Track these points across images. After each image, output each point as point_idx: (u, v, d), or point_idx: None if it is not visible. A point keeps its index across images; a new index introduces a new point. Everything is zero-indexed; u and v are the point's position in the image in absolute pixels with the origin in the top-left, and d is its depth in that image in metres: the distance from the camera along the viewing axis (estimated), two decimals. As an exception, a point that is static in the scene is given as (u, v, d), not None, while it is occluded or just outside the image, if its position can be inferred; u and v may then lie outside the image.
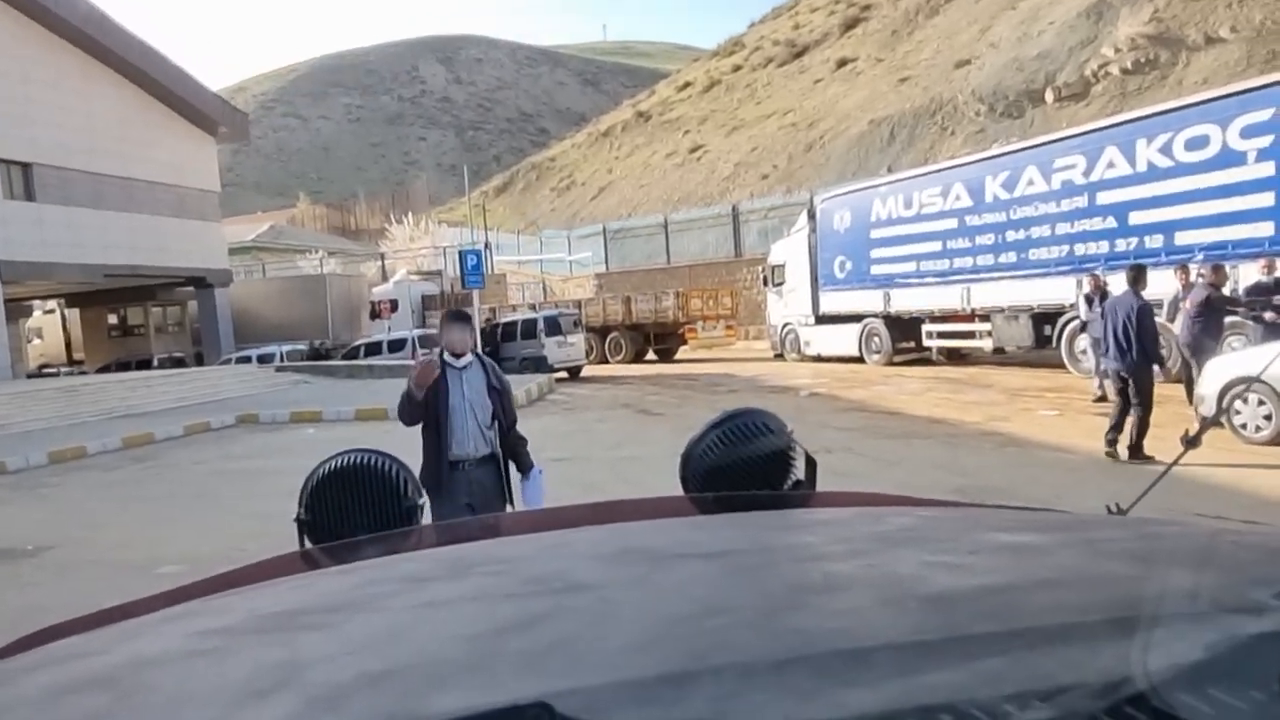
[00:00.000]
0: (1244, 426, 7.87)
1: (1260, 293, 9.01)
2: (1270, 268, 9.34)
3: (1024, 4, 39.47)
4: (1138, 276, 7.71)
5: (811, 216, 19.89)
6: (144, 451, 12.57)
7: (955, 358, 17.56)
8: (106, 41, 23.37)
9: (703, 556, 0.82)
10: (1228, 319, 9.22)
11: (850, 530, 0.95)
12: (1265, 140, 11.16)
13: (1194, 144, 11.99)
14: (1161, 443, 7.43)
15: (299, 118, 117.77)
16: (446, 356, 4.04)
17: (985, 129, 33.33)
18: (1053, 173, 14.14)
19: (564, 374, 19.87)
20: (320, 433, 12.73)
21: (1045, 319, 14.40)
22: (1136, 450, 7.47)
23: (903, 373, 16.52)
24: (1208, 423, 7.42)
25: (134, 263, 24.01)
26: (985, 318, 15.61)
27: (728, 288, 25.98)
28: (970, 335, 16.21)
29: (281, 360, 23.48)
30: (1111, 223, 13.21)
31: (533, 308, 25.67)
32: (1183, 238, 12.09)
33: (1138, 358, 7.44)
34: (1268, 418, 7.69)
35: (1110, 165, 13.20)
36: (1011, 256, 14.98)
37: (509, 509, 4.00)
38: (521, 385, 15.29)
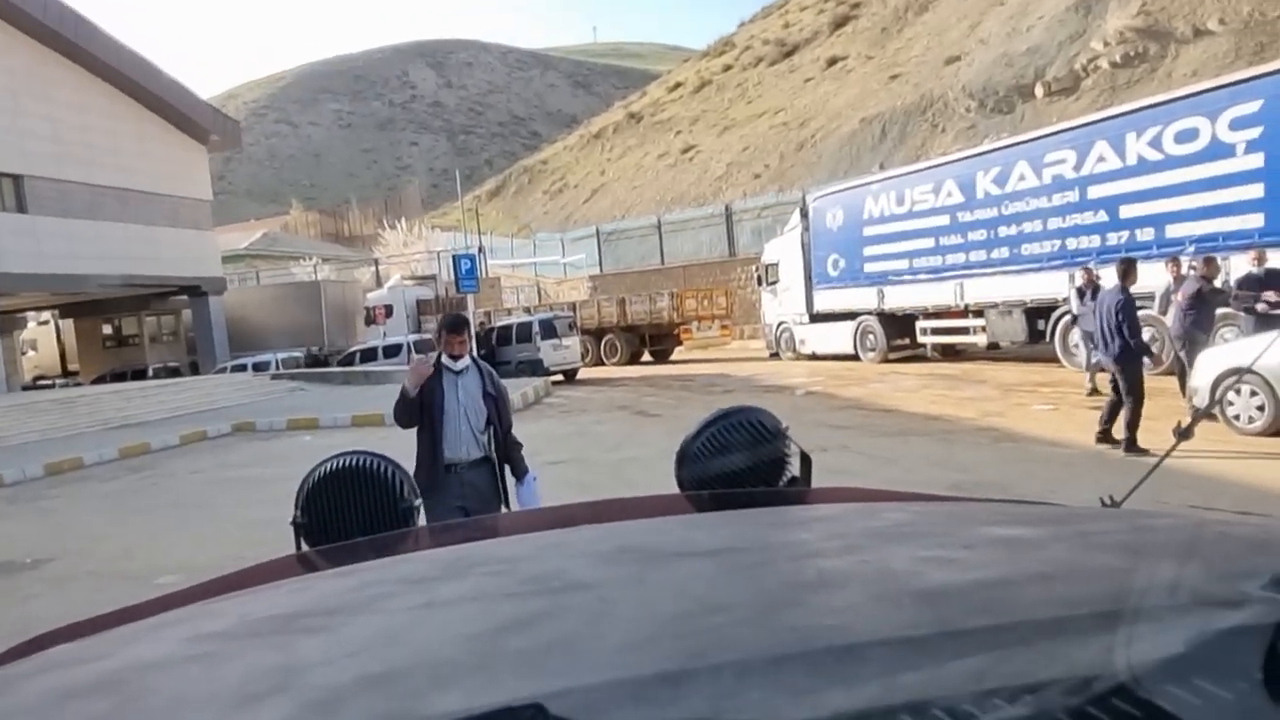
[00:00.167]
0: (1237, 418, 7.89)
1: (1251, 284, 9.03)
2: (1261, 259, 9.37)
3: None
4: (1126, 270, 7.75)
5: (804, 215, 19.91)
6: (141, 462, 12.53)
7: (950, 354, 17.59)
8: (97, 52, 23.30)
9: (699, 555, 0.82)
10: (1219, 310, 9.25)
11: (845, 526, 0.96)
12: (1254, 132, 11.19)
13: (1183, 137, 12.03)
14: (1155, 435, 7.46)
15: (290, 124, 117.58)
16: (444, 360, 4.07)
17: (976, 125, 33.41)
18: (1043, 168, 14.18)
19: (560, 377, 19.86)
20: (317, 439, 12.70)
21: (1038, 314, 14.43)
22: (1130, 443, 7.49)
23: (898, 370, 16.54)
24: (1200, 414, 7.46)
25: (127, 273, 23.94)
26: (979, 313, 15.64)
27: (722, 288, 25.99)
28: (964, 331, 16.24)
29: (277, 367, 23.43)
30: (1103, 216, 13.24)
31: (527, 311, 25.65)
32: (1173, 230, 12.13)
33: (1120, 351, 7.51)
34: (1260, 409, 7.72)
35: (1100, 159, 13.23)
36: (1004, 252, 15.01)
37: (504, 512, 4.01)
38: (517, 389, 15.28)
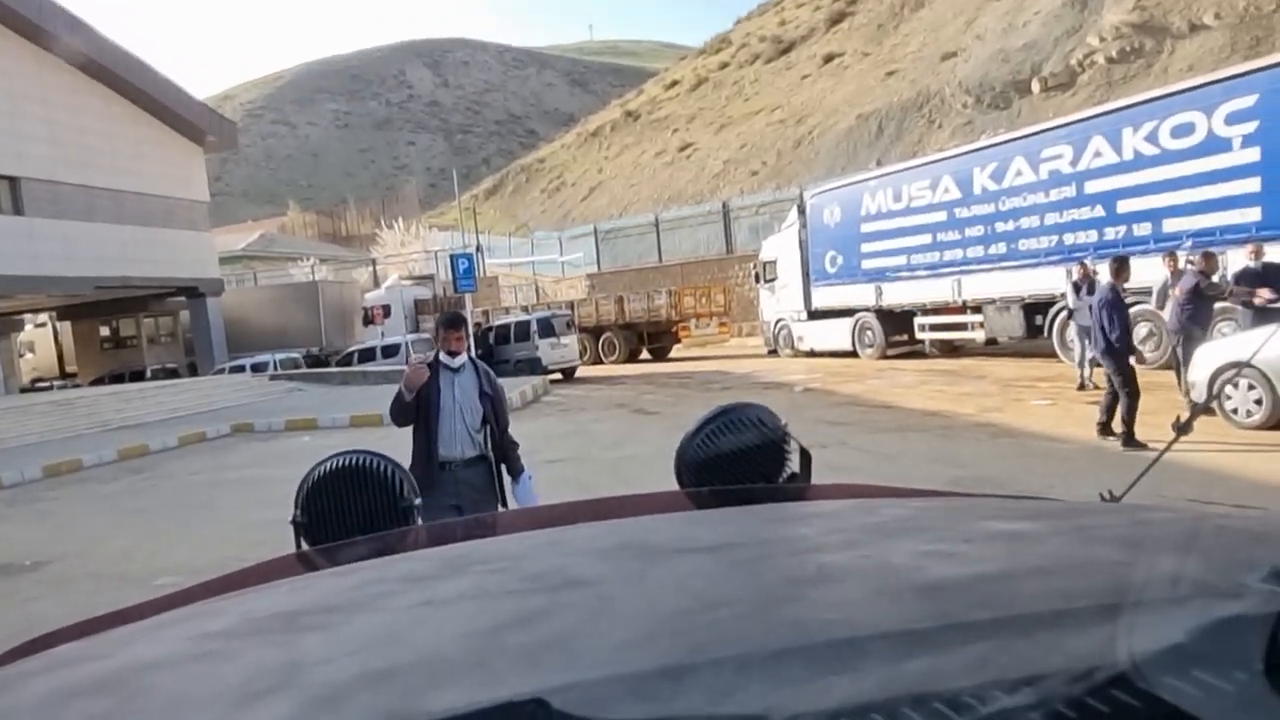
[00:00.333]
0: (1235, 412, 7.90)
1: (1249, 278, 9.04)
2: (1258, 253, 9.37)
3: (1008, -5, 39.58)
4: (1119, 268, 7.88)
5: (801, 212, 19.92)
6: (139, 463, 12.52)
7: (948, 350, 17.60)
8: (93, 54, 23.26)
9: (699, 550, 0.82)
10: (1217, 304, 9.27)
11: (845, 522, 0.96)
12: (1250, 126, 11.21)
13: (1180, 131, 12.04)
14: (1154, 430, 7.47)
15: (287, 125, 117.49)
16: (442, 357, 4.08)
17: (973, 121, 33.43)
18: (1040, 163, 14.19)
19: (558, 375, 19.86)
20: (316, 440, 12.69)
21: (1036, 309, 14.45)
22: (1128, 438, 7.52)
23: (896, 366, 16.56)
24: (1199, 409, 7.48)
25: (125, 274, 23.92)
26: (977, 309, 15.65)
27: (720, 285, 26.00)
28: (962, 327, 16.26)
29: (275, 368, 23.41)
30: (1100, 211, 13.25)
31: (525, 310, 25.64)
32: (1170, 225, 12.14)
33: (1106, 347, 7.61)
34: (1258, 402, 7.73)
35: (1097, 154, 13.24)
36: (1001, 247, 15.02)
37: (502, 510, 4.02)
38: (516, 388, 15.28)
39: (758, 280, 21.91)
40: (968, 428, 9.45)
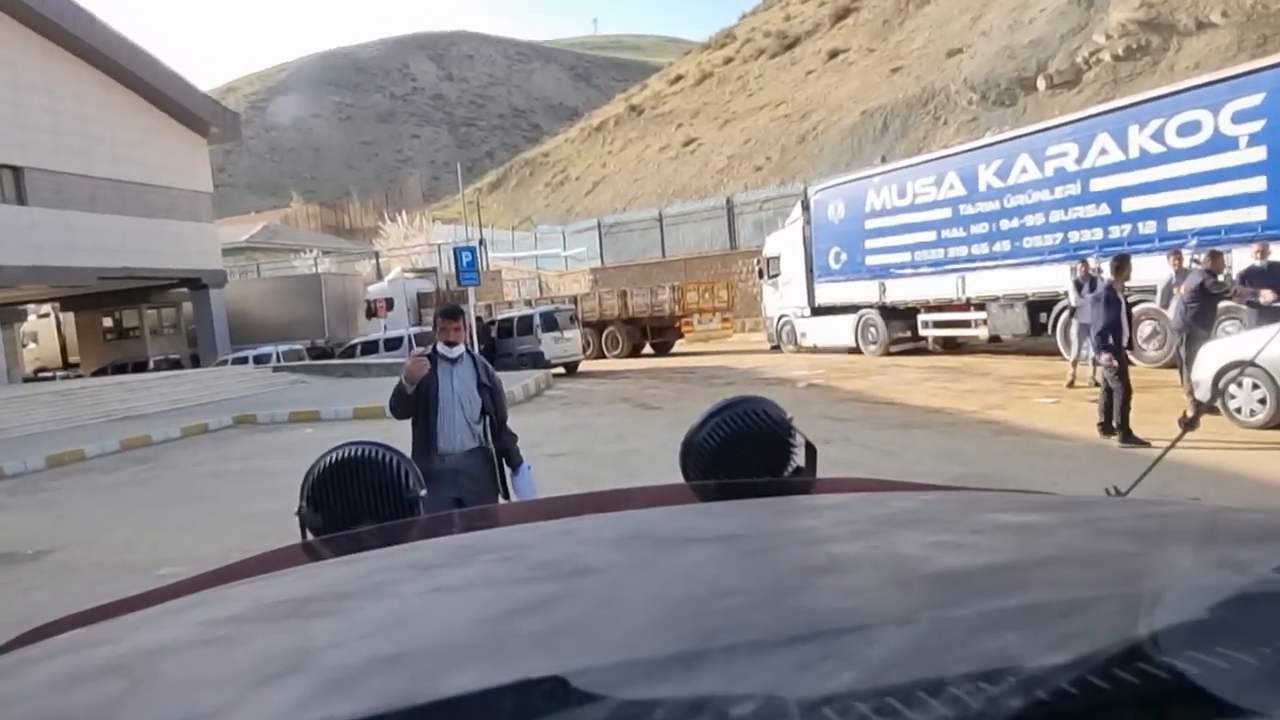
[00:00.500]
0: (1239, 410, 7.89)
1: (1255, 277, 9.03)
2: (1264, 252, 9.36)
3: (1015, -8, 39.46)
4: (1119, 266, 7.95)
5: (806, 208, 19.90)
6: (142, 454, 12.54)
7: (951, 347, 17.59)
8: (96, 44, 23.26)
9: (708, 541, 0.82)
10: (1222, 303, 9.26)
11: (853, 514, 0.96)
12: (1257, 125, 11.18)
13: (1186, 130, 12.01)
14: (1159, 428, 7.47)
15: (290, 117, 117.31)
16: (440, 347, 4.10)
17: (978, 118, 33.36)
18: (1045, 160, 14.16)
19: (561, 370, 19.88)
20: (319, 432, 12.71)
21: (1040, 307, 14.43)
22: (1125, 435, 7.57)
23: (899, 363, 16.55)
24: (1203, 407, 7.48)
25: (128, 265, 23.93)
26: (981, 306, 15.63)
27: (723, 280, 25.99)
28: (966, 324, 16.24)
29: (278, 360, 23.45)
30: (1105, 209, 13.23)
31: (528, 304, 25.65)
32: (1176, 223, 12.12)
33: (1096, 343, 7.73)
34: (1262, 401, 7.72)
35: (1103, 152, 13.21)
36: (1006, 245, 15.00)
37: (509, 501, 4.04)
38: (519, 381, 15.29)
39: (761, 276, 21.89)
40: (971, 425, 9.45)
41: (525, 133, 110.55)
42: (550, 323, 20.18)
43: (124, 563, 6.35)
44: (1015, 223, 14.74)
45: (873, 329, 18.11)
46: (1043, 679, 0.44)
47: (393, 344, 22.16)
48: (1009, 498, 1.10)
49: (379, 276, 32.68)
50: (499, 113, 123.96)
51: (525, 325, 20.37)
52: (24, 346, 31.23)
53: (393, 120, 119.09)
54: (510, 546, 0.92)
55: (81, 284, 24.12)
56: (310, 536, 1.52)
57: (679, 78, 66.31)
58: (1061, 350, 13.82)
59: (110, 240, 23.20)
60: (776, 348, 21.22)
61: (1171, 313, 9.51)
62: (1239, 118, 11.36)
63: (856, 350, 18.43)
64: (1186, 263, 9.92)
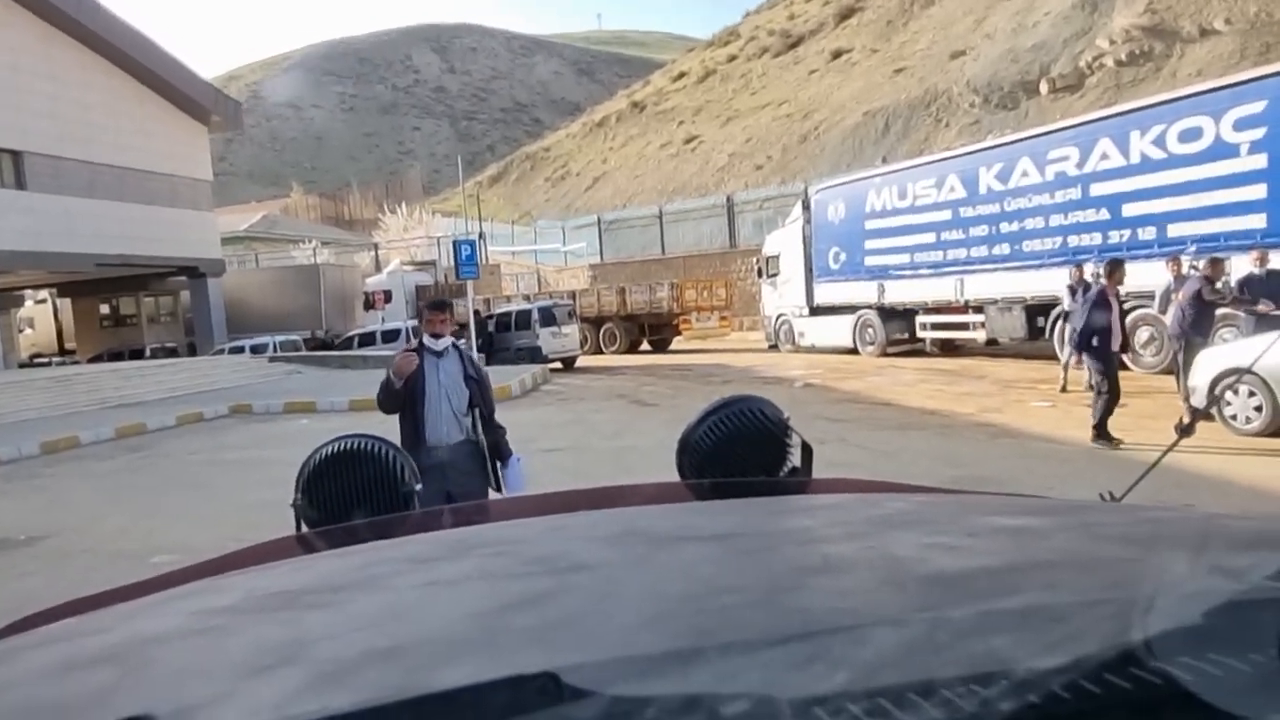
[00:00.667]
0: (1234, 418, 7.90)
1: (1254, 285, 9.05)
2: (1263, 260, 9.37)
3: (1019, -5, 39.46)
4: (1112, 270, 8.03)
5: (806, 207, 19.90)
6: (137, 441, 12.53)
7: (949, 349, 17.60)
8: (98, 29, 23.19)
9: (704, 539, 0.82)
10: (1219, 310, 9.27)
11: (849, 514, 0.96)
12: (1258, 132, 11.18)
13: (1187, 136, 12.01)
14: (1154, 434, 7.49)
15: (292, 106, 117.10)
16: (426, 339, 4.12)
17: (980, 120, 33.37)
18: (1046, 164, 14.16)
19: (558, 365, 19.87)
20: (314, 423, 12.70)
21: (1038, 310, 14.44)
22: (1099, 432, 7.72)
23: (897, 364, 16.56)
24: (1199, 413, 7.49)
25: (126, 252, 23.88)
26: (979, 309, 15.65)
27: (722, 279, 25.98)
28: (964, 327, 16.25)
29: (275, 351, 23.43)
30: (1104, 214, 13.24)
31: (527, 298, 25.64)
32: (1175, 230, 12.13)
33: (1083, 345, 7.84)
34: (1258, 409, 7.73)
35: (1104, 157, 13.22)
36: (1005, 248, 15.01)
37: (492, 495, 4.04)
38: (516, 376, 15.29)
39: (760, 275, 21.90)
40: (967, 427, 9.46)
41: (527, 127, 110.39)
42: (548, 318, 20.18)
43: (118, 550, 6.35)
44: (1015, 226, 14.75)
45: (870, 330, 18.12)
46: (1035, 682, 0.44)
47: (390, 336, 22.16)
48: (1004, 501, 1.11)
49: (378, 268, 32.64)
50: (501, 106, 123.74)
51: (523, 320, 20.36)
52: (20, 332, 31.16)
53: (394, 112, 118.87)
54: (505, 541, 0.92)
55: (79, 270, 24.06)
56: (305, 529, 1.52)
57: (682, 75, 66.26)
58: (1059, 355, 13.84)
59: (109, 227, 23.14)
60: (774, 347, 21.23)
61: (1169, 319, 9.52)
62: (1240, 125, 11.37)
63: (854, 351, 18.44)
64: (1185, 269, 9.93)
